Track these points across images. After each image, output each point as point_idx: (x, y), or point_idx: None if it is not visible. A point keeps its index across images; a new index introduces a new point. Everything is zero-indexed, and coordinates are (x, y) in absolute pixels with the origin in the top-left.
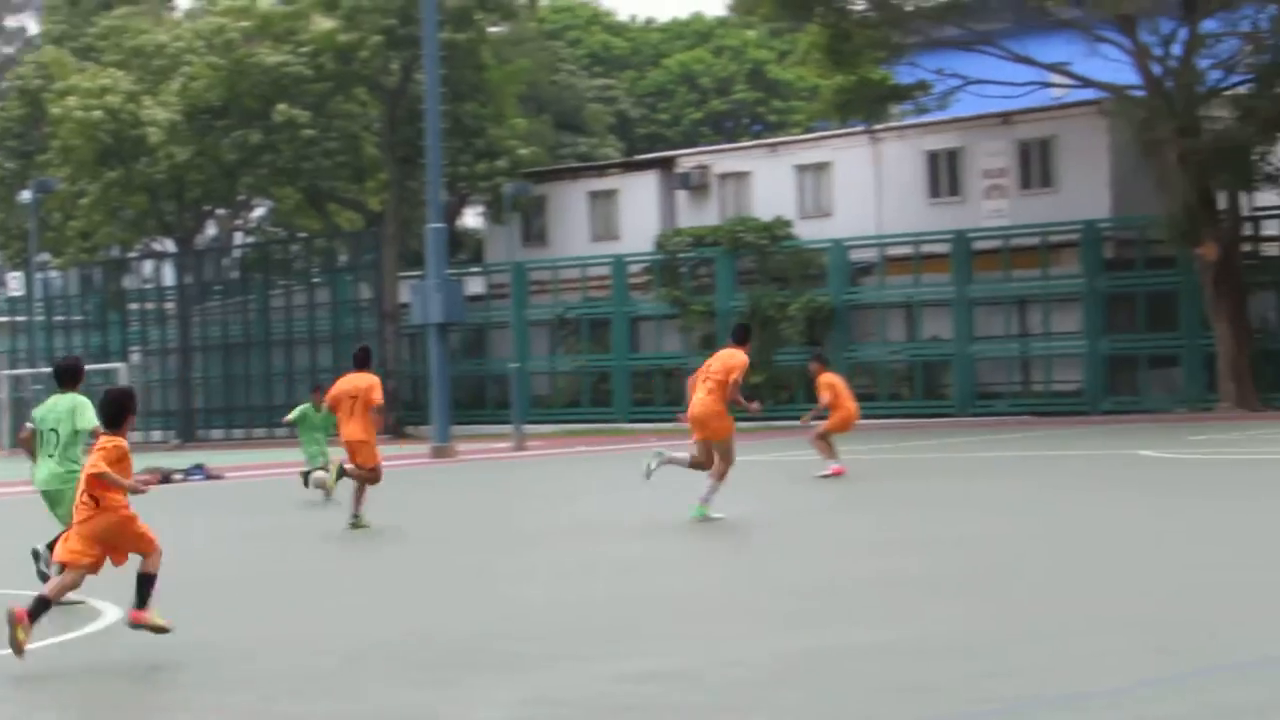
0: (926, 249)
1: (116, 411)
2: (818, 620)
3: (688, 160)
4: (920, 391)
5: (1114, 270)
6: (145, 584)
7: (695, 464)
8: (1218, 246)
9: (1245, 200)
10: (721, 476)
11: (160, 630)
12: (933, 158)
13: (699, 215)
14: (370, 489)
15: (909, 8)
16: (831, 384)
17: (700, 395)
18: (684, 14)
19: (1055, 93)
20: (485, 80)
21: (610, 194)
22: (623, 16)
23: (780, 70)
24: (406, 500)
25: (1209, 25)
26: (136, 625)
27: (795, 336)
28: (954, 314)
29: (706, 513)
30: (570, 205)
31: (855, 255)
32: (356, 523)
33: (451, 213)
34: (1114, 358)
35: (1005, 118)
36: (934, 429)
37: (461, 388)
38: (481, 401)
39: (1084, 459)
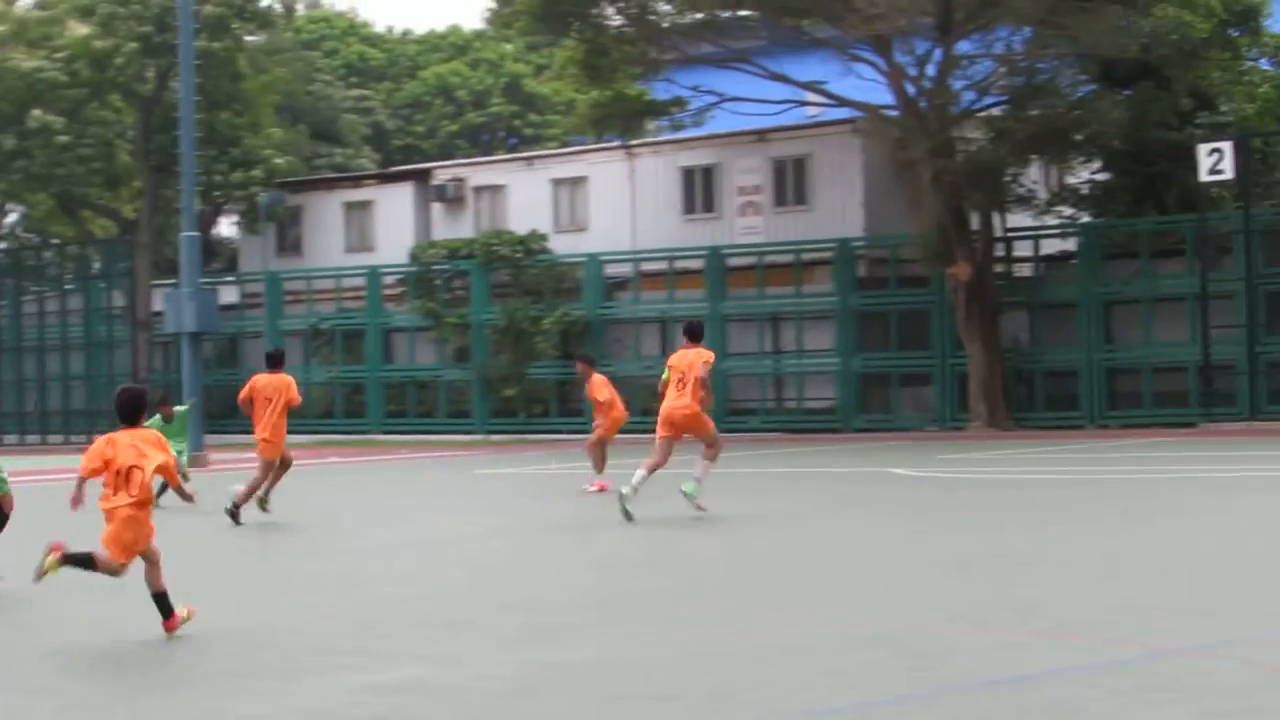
0: (681, 265)
1: (135, 408)
2: (560, 634)
3: (443, 172)
4: None
5: (867, 288)
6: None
7: (653, 469)
8: (970, 267)
9: (998, 221)
10: (714, 458)
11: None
12: (688, 174)
13: (454, 228)
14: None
15: (666, 24)
16: (606, 383)
17: (680, 398)
18: (441, 26)
19: (810, 111)
20: (241, 89)
21: (365, 205)
22: (379, 28)
23: (537, 84)
24: (156, 511)
25: (963, 47)
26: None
27: (549, 350)
28: (709, 330)
29: (696, 492)
30: (325, 216)
31: (610, 270)
32: (263, 504)
33: (206, 222)
34: (866, 376)
35: (760, 135)
36: (687, 445)
37: (215, 397)
38: (235, 411)
39: (835, 476)
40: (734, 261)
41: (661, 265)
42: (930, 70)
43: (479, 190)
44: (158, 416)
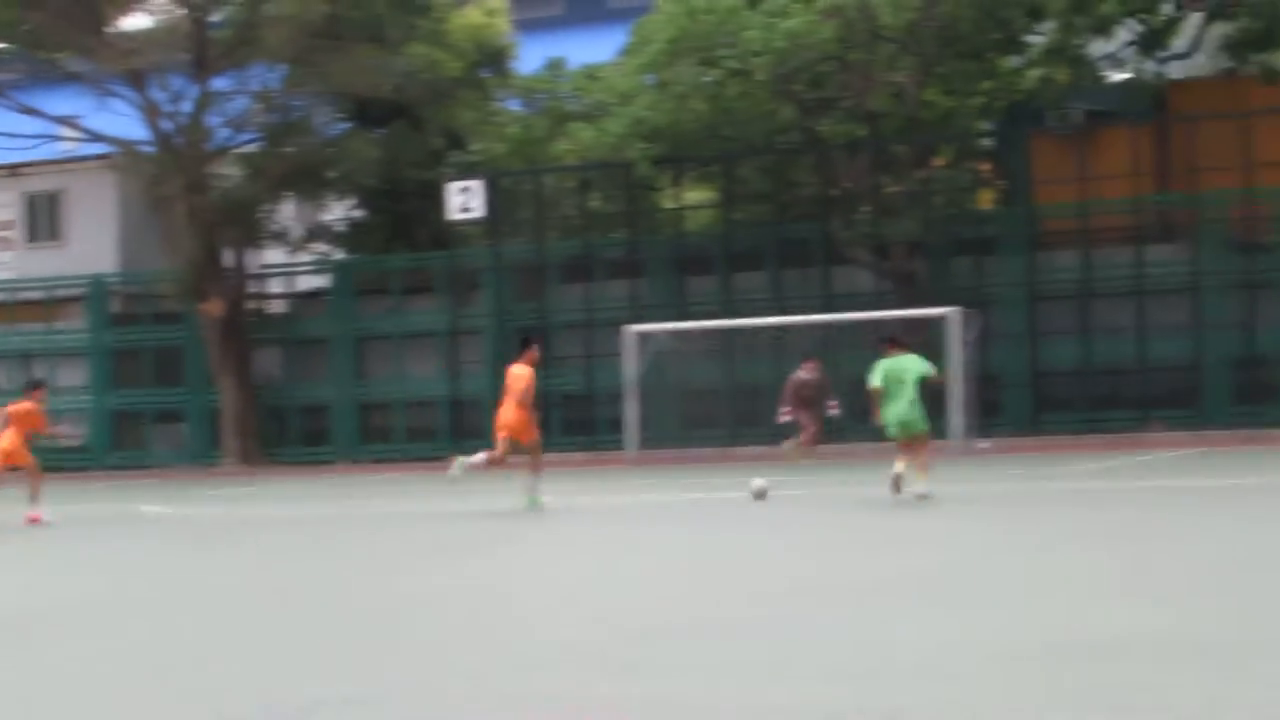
0: None
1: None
2: None
3: None
4: None
5: (122, 325)
6: None
7: (494, 461)
8: (223, 303)
9: (253, 258)
10: (538, 469)
11: None
12: None
13: None
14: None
15: None
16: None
17: (509, 406)
18: None
19: (65, 146)
20: None
21: None
22: None
23: None
24: None
25: (221, 83)
26: None
27: None
28: None
29: (539, 501)
30: None
31: None
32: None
33: None
34: (120, 413)
35: (13, 170)
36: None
37: None
38: None
39: (85, 516)
40: None
41: None
42: (186, 106)
43: None
44: None
